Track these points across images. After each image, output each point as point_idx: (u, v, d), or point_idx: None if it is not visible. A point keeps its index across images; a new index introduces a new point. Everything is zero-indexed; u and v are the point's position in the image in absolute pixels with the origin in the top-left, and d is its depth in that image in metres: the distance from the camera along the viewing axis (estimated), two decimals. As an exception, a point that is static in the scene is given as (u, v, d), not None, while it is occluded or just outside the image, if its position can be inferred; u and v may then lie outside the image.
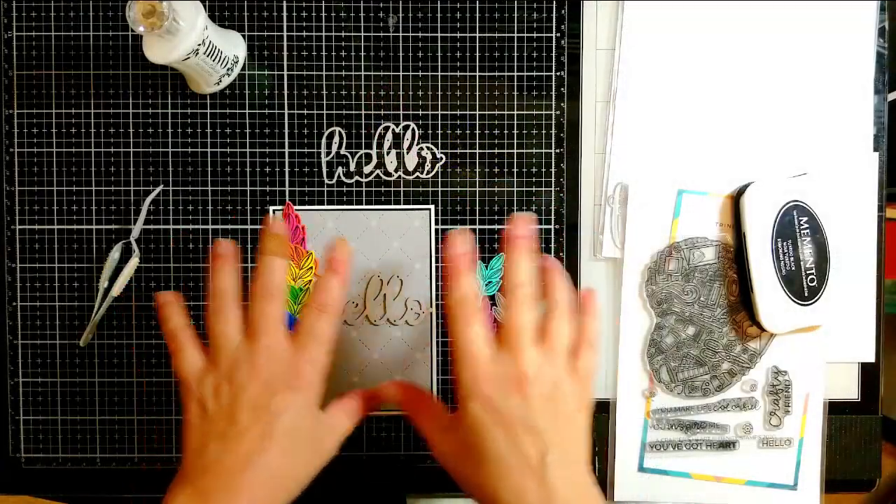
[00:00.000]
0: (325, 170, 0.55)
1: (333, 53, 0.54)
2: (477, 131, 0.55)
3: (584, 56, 0.55)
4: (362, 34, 0.54)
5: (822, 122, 0.55)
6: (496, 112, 0.55)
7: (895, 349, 0.70)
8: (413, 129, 0.55)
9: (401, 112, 0.55)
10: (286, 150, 0.55)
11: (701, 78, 0.55)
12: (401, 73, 0.55)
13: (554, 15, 0.55)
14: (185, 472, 0.40)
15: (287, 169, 0.55)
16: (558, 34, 0.55)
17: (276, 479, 0.39)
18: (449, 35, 0.54)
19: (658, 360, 0.55)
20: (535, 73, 0.55)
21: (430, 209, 0.55)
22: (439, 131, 0.55)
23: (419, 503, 0.56)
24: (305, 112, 0.55)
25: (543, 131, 0.55)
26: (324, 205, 0.55)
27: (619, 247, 0.55)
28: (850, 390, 0.56)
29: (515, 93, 0.55)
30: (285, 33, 0.54)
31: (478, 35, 0.55)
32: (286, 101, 0.55)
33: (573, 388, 0.41)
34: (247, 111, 0.55)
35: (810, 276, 0.52)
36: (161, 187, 0.55)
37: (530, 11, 0.55)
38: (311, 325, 0.42)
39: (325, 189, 0.55)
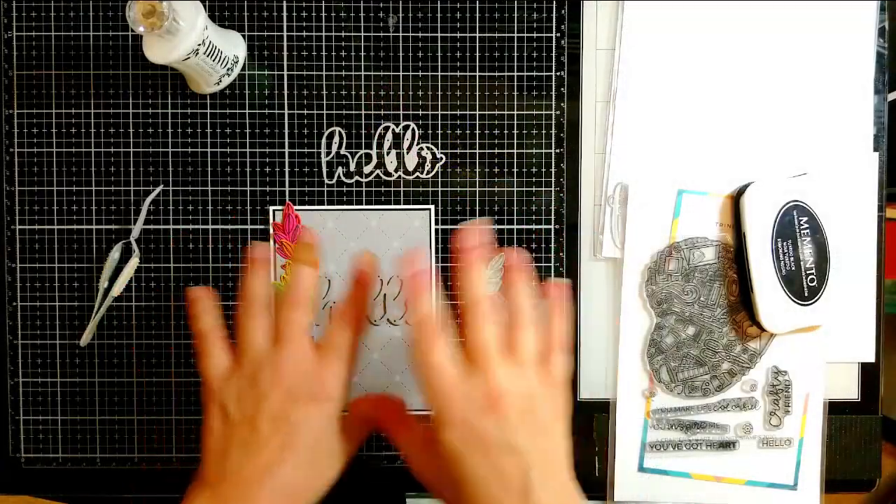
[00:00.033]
0: (325, 170, 0.55)
1: (333, 53, 0.54)
2: (477, 131, 0.55)
3: (584, 56, 0.55)
4: (362, 34, 0.54)
5: (822, 122, 0.55)
6: (496, 112, 0.55)
7: (895, 349, 0.70)
8: (413, 129, 0.55)
9: (401, 112, 0.55)
10: (286, 150, 0.55)
11: (701, 78, 0.55)
12: (401, 73, 0.55)
13: (554, 15, 0.55)
14: (205, 477, 0.40)
15: (287, 169, 0.55)
16: (558, 34, 0.55)
17: (293, 490, 0.40)
18: (449, 35, 0.54)
19: (658, 360, 0.55)
20: (535, 73, 0.55)
21: (430, 209, 0.55)
22: (439, 131, 0.55)
23: (419, 503, 0.56)
24: (305, 112, 0.55)
25: (543, 131, 0.55)
26: (324, 205, 0.55)
27: (619, 247, 0.55)
28: (850, 390, 0.56)
29: (515, 93, 0.55)
30: (285, 33, 0.54)
31: (478, 35, 0.55)
32: (286, 101, 0.55)
33: (548, 397, 0.39)
34: (247, 111, 0.55)
35: (810, 276, 0.52)
36: (161, 187, 0.55)
37: (530, 11, 0.55)
38: (336, 337, 0.42)
39: (325, 189, 0.55)
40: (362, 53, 0.55)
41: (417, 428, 0.43)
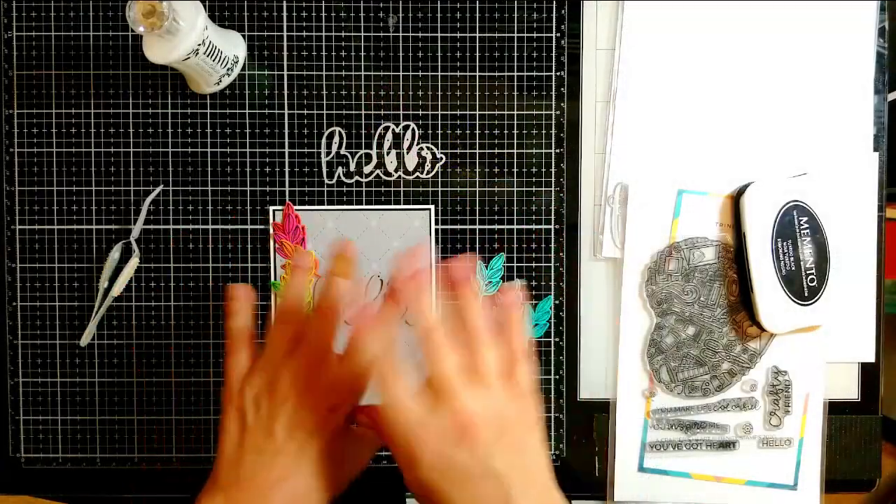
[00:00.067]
0: (325, 170, 0.55)
1: (333, 53, 0.54)
2: (477, 131, 0.55)
3: (584, 56, 0.55)
4: (362, 34, 0.54)
5: (822, 122, 0.55)
6: (496, 112, 0.55)
7: (895, 349, 0.70)
8: (413, 129, 0.55)
9: (401, 112, 0.55)
10: (286, 150, 0.55)
11: (701, 78, 0.55)
12: (401, 73, 0.55)
13: (554, 15, 0.55)
14: (218, 480, 0.40)
15: (287, 169, 0.55)
16: (558, 34, 0.55)
17: (305, 499, 0.40)
18: (449, 35, 0.54)
19: (658, 360, 0.55)
20: (535, 73, 0.55)
21: (430, 209, 0.55)
22: (439, 131, 0.55)
23: (419, 503, 0.56)
24: (305, 112, 0.55)
25: (543, 131, 0.55)
26: (324, 205, 0.55)
27: (619, 247, 0.55)
28: (850, 390, 0.56)
29: (515, 93, 0.55)
30: (285, 33, 0.54)
31: (478, 35, 0.55)
32: (286, 101, 0.55)
33: (518, 411, 0.38)
34: (247, 111, 0.55)
35: (810, 276, 0.52)
36: (161, 187, 0.55)
37: (530, 11, 0.55)
38: (359, 348, 0.41)
39: (325, 189, 0.55)
40: (362, 53, 0.55)
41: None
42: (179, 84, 0.54)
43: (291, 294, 0.44)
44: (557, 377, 0.55)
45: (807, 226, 0.52)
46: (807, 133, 0.55)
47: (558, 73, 0.55)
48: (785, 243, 0.52)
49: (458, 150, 0.55)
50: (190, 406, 0.55)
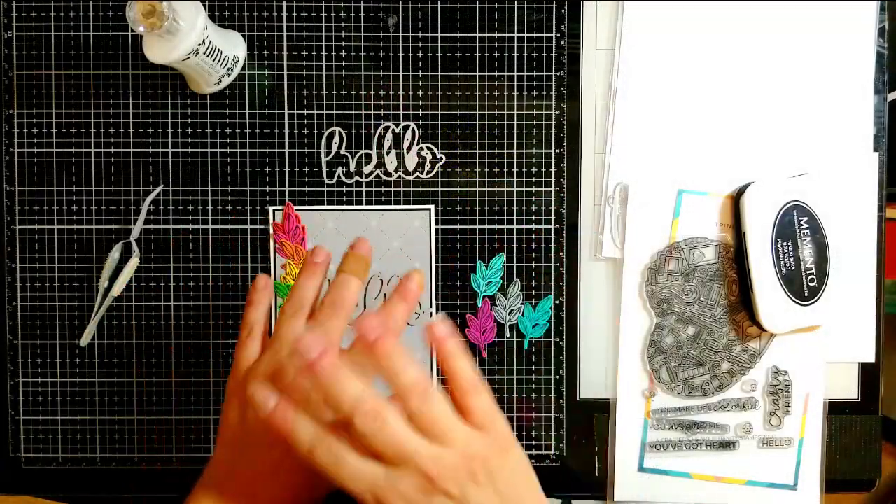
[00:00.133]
0: (325, 170, 0.55)
1: (333, 53, 0.54)
2: (477, 131, 0.55)
3: (584, 56, 0.55)
4: (362, 34, 0.54)
5: (822, 122, 0.55)
6: (496, 112, 0.55)
7: (895, 349, 0.70)
8: (413, 129, 0.55)
9: (401, 112, 0.55)
10: (286, 150, 0.55)
11: (701, 78, 0.54)
12: (401, 73, 0.55)
13: (554, 15, 0.55)
14: (216, 468, 0.40)
15: (287, 169, 0.55)
16: (558, 34, 0.55)
17: (301, 490, 0.40)
18: (449, 35, 0.54)
19: (658, 360, 0.55)
20: (535, 73, 0.55)
21: (430, 209, 0.55)
22: (439, 131, 0.55)
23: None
24: (305, 112, 0.55)
25: (543, 131, 0.55)
26: (324, 205, 0.55)
27: (619, 247, 0.55)
28: (850, 390, 0.56)
29: (515, 93, 0.55)
30: (285, 33, 0.54)
31: (478, 35, 0.55)
32: (286, 101, 0.55)
33: (484, 444, 0.37)
34: (247, 111, 0.55)
35: (810, 276, 0.52)
36: (161, 187, 0.55)
37: (530, 11, 0.55)
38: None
39: (325, 189, 0.55)
40: (362, 53, 0.55)
41: None
42: (179, 84, 0.54)
43: (302, 289, 0.44)
44: (557, 377, 0.55)
45: (807, 226, 0.52)
46: (807, 133, 0.55)
47: (558, 73, 0.55)
48: (785, 243, 0.52)
49: (458, 150, 0.55)
50: (190, 406, 0.55)
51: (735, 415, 0.55)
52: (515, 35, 0.55)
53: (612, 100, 0.55)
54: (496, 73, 0.55)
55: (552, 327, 0.55)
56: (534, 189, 0.55)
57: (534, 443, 0.56)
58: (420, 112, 0.55)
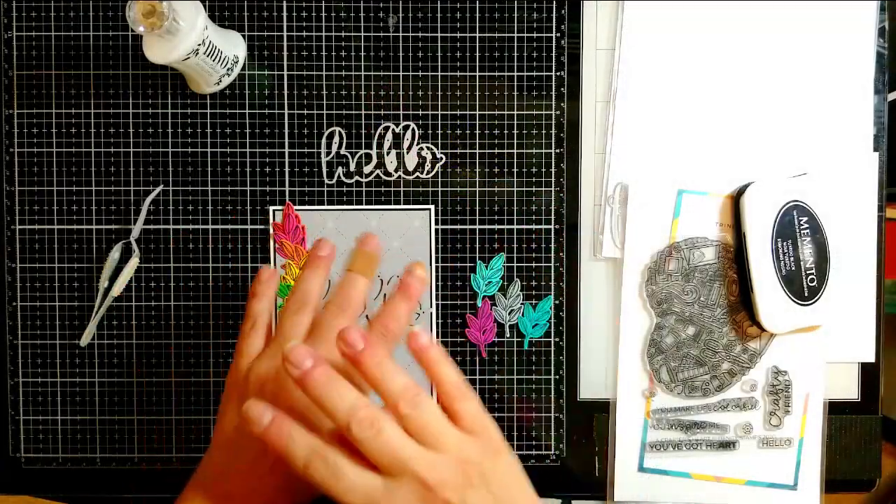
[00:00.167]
0: (325, 170, 0.55)
1: (333, 53, 0.54)
2: (477, 131, 0.55)
3: (584, 56, 0.55)
4: (362, 34, 0.54)
5: (822, 122, 0.55)
6: (496, 112, 0.55)
7: (895, 349, 0.70)
8: (413, 129, 0.55)
9: (401, 112, 0.55)
10: (286, 150, 0.55)
11: (701, 78, 0.55)
12: (401, 73, 0.55)
13: (554, 15, 0.55)
14: (211, 465, 0.40)
15: (287, 169, 0.55)
16: (558, 34, 0.55)
17: (298, 487, 0.39)
18: (449, 35, 0.54)
19: (658, 360, 0.55)
20: (535, 73, 0.55)
21: (430, 209, 0.55)
22: (439, 131, 0.55)
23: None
24: (305, 112, 0.55)
25: (543, 131, 0.55)
26: (324, 205, 0.55)
27: (619, 247, 0.55)
28: (850, 390, 0.56)
29: (515, 93, 0.55)
30: (285, 33, 0.54)
31: (478, 35, 0.55)
32: (286, 101, 0.55)
33: (477, 448, 0.37)
34: (247, 111, 0.55)
35: (810, 276, 0.52)
36: (161, 187, 0.55)
37: (530, 11, 0.55)
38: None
39: (325, 189, 0.55)
40: (362, 53, 0.55)
41: None
42: (179, 84, 0.54)
43: (306, 284, 0.43)
44: (557, 377, 0.55)
45: (807, 226, 0.52)
46: (807, 133, 0.55)
47: (558, 73, 0.55)
48: (785, 243, 0.52)
49: (458, 150, 0.55)
50: (190, 406, 0.55)
51: (735, 415, 0.55)
52: (515, 35, 0.55)
53: (612, 100, 0.55)
54: (496, 73, 0.55)
55: (552, 327, 0.55)
56: (534, 189, 0.55)
57: (534, 443, 0.56)
58: (420, 112, 0.55)
